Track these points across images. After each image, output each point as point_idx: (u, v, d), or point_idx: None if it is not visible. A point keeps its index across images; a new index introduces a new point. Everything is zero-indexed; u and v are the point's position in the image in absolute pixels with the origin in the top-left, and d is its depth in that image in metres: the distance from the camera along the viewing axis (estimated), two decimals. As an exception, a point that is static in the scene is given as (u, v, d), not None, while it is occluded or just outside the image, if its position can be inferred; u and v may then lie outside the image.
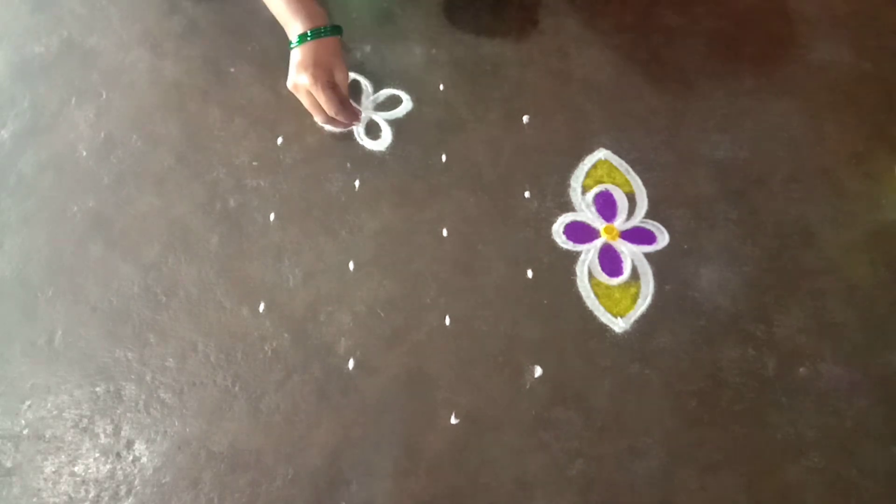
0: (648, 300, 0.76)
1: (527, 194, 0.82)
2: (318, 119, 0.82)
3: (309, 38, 0.78)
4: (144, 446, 0.69)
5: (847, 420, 0.70)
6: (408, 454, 0.68)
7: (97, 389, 0.72)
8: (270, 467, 0.68)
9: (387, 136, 0.85)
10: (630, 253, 0.78)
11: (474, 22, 0.93)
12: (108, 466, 0.68)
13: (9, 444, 0.70)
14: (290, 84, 0.79)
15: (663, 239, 0.79)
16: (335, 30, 0.80)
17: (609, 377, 0.72)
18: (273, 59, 0.84)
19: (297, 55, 0.78)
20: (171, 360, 0.73)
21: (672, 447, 0.69)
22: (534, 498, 0.67)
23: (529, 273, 0.77)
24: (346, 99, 0.81)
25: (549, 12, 0.94)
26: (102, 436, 0.70)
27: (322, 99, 0.78)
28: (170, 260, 0.78)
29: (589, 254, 0.78)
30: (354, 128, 0.85)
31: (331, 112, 0.79)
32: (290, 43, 0.79)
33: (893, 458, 0.69)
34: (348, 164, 0.83)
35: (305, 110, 0.80)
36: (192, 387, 0.72)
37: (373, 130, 0.85)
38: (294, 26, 0.79)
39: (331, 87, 0.78)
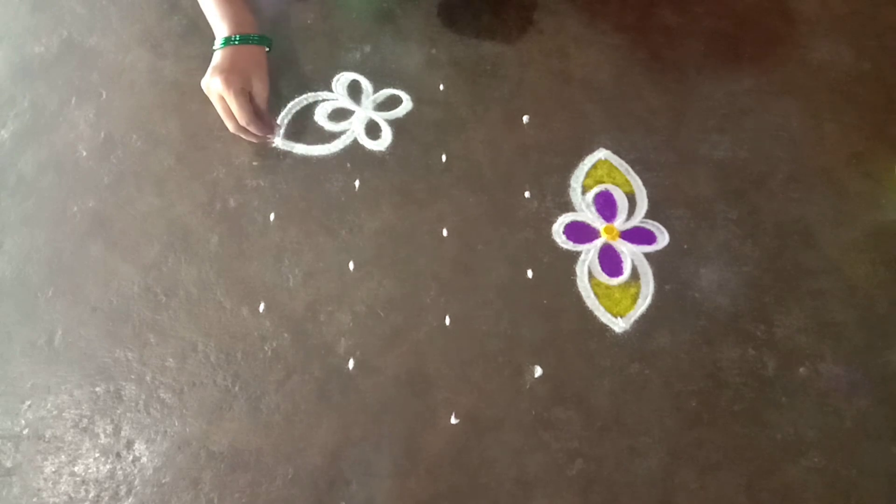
0: (648, 300, 0.76)
1: (527, 194, 0.82)
2: (228, 126, 0.80)
3: (234, 43, 0.79)
4: (144, 446, 0.69)
5: (847, 420, 0.70)
6: (408, 454, 0.68)
7: (97, 389, 0.72)
8: (270, 467, 0.68)
9: (387, 136, 0.85)
10: (630, 253, 0.78)
11: (474, 22, 0.93)
12: (108, 466, 0.68)
13: (9, 444, 0.70)
14: (203, 85, 0.79)
15: (663, 239, 0.79)
16: (263, 40, 0.81)
17: (609, 377, 0.72)
18: (272, 60, 0.84)
19: (217, 58, 0.79)
20: (171, 360, 0.73)
21: (672, 447, 0.69)
22: (534, 498, 0.67)
23: (529, 273, 0.77)
24: (261, 110, 0.81)
25: (548, 12, 0.94)
26: (102, 436, 0.70)
27: (234, 106, 0.77)
28: (170, 260, 0.78)
29: (589, 254, 0.78)
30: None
31: (242, 121, 0.78)
32: (214, 45, 0.80)
33: (893, 458, 0.69)
34: (348, 164, 0.83)
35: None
36: (192, 387, 0.72)
37: (373, 130, 0.85)
38: (220, 28, 0.81)
39: (244, 94, 0.77)
